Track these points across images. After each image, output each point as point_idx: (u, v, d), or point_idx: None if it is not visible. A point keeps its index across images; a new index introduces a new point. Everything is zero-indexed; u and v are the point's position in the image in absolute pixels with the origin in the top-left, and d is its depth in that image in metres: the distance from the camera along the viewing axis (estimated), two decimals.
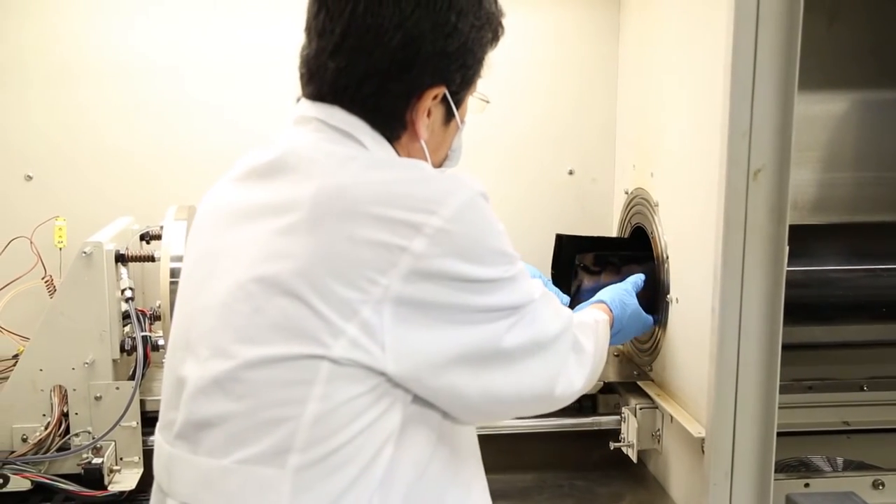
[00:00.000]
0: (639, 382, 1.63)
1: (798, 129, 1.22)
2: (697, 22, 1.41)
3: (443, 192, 0.89)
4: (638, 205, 1.72)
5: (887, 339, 1.86)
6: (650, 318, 1.51)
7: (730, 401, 1.27)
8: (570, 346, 1.03)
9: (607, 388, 1.66)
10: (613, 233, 1.91)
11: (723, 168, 1.23)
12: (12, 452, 1.47)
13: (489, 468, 1.05)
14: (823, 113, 1.95)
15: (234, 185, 1.01)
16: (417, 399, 0.92)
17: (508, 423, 1.59)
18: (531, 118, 1.95)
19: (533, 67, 1.93)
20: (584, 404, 1.69)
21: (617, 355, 1.85)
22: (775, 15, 1.19)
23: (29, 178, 1.87)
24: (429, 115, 0.99)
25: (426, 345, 0.88)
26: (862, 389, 1.81)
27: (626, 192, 1.80)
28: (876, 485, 1.48)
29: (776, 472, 1.31)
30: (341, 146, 0.96)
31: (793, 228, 1.26)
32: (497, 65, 1.87)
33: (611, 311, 1.39)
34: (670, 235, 1.55)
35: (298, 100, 1.02)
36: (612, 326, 1.35)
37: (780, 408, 1.28)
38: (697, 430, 1.35)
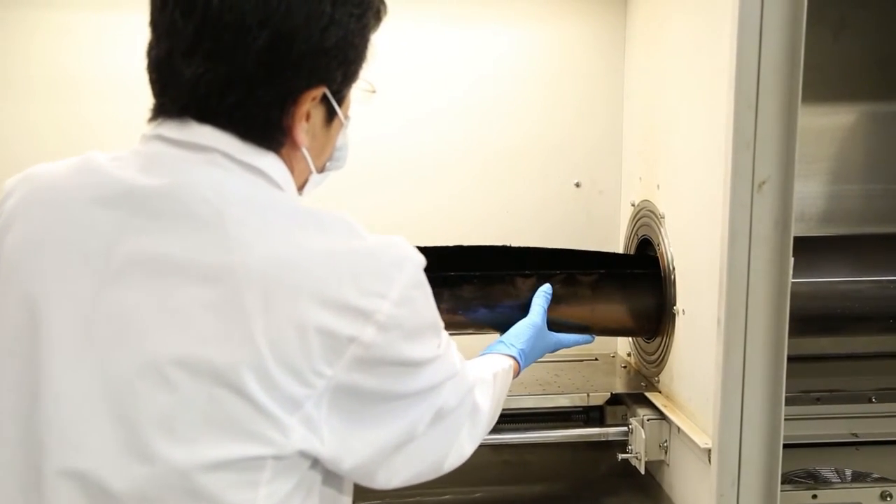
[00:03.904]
0: (646, 393, 1.63)
1: (805, 141, 1.23)
2: (703, 34, 1.42)
3: (389, 267, 0.81)
4: (644, 217, 1.73)
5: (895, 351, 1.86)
6: (562, 338, 1.44)
7: (736, 412, 1.27)
8: (468, 412, 0.98)
9: (615, 400, 1.66)
10: (620, 245, 1.92)
11: (727, 179, 1.24)
12: None
13: (496, 480, 1.04)
14: (831, 125, 1.96)
15: (92, 208, 0.81)
16: (327, 478, 0.86)
17: (515, 435, 1.60)
18: (537, 130, 1.96)
19: (539, 79, 1.95)
20: (592, 415, 1.70)
21: (624, 366, 1.85)
22: (779, 26, 1.20)
23: None
24: (308, 118, 0.86)
25: (361, 435, 0.83)
26: (870, 401, 1.81)
27: (633, 205, 1.81)
28: (884, 496, 1.48)
29: (784, 483, 1.31)
30: (253, 188, 0.83)
31: (801, 240, 1.26)
32: (503, 77, 1.91)
33: (515, 358, 1.29)
34: (676, 247, 1.56)
35: (156, 113, 0.86)
36: (517, 372, 1.29)
37: (788, 420, 1.28)
38: (704, 441, 1.35)
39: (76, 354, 0.77)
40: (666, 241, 1.59)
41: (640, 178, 1.78)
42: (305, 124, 0.86)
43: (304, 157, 0.89)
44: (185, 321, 0.75)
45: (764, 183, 1.23)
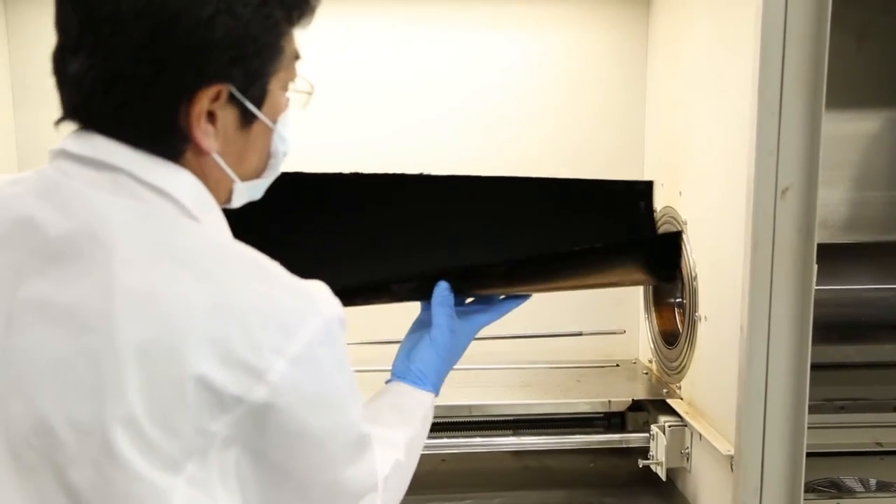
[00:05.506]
0: (668, 400, 1.63)
1: (829, 148, 1.22)
2: (726, 41, 1.42)
3: (293, 319, 0.72)
4: (667, 223, 1.72)
5: None
6: (481, 321, 1.16)
7: (758, 419, 1.26)
8: None
9: (636, 406, 1.66)
10: None
11: (750, 187, 1.23)
12: None
13: (516, 485, 1.03)
14: (854, 132, 1.95)
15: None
16: None
17: (536, 440, 1.60)
18: (559, 136, 1.96)
19: (560, 85, 1.95)
20: (613, 421, 1.70)
21: (646, 373, 1.85)
22: (802, 33, 1.19)
23: None
24: (213, 121, 0.77)
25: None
26: (895, 410, 1.80)
27: (655, 211, 1.80)
28: None
29: (807, 492, 1.30)
30: (154, 221, 0.75)
31: (824, 247, 1.25)
32: (524, 82, 1.91)
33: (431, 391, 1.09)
34: (699, 254, 1.55)
35: (61, 116, 0.79)
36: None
37: (811, 428, 1.27)
38: (726, 448, 1.35)
39: None
40: (688, 247, 1.59)
41: (663, 185, 1.78)
42: (211, 128, 0.77)
43: (217, 165, 0.80)
44: (70, 374, 0.69)
45: (787, 190, 1.22)
